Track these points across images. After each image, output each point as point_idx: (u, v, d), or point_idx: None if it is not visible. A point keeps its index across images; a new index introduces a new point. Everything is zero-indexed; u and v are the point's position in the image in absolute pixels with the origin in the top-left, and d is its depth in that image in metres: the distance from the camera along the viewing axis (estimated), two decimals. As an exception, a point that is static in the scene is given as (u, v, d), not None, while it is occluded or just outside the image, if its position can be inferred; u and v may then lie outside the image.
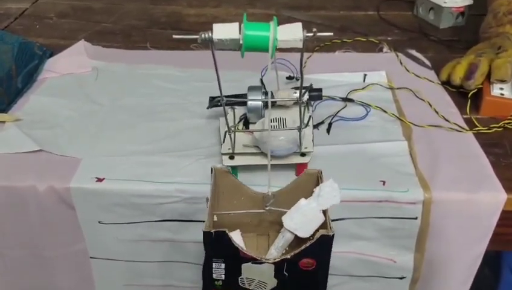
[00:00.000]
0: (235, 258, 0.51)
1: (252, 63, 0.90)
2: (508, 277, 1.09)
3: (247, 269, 0.51)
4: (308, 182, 0.53)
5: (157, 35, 1.08)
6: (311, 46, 1.02)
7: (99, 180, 0.65)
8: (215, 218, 0.57)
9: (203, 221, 0.58)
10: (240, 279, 0.53)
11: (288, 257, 0.49)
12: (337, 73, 0.90)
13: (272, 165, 0.63)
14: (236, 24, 0.46)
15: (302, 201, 0.49)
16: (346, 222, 0.65)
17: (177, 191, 0.64)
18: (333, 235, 0.48)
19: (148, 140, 0.73)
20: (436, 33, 1.07)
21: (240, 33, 0.44)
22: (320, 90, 0.71)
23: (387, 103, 0.82)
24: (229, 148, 0.63)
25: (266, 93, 0.68)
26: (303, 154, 0.63)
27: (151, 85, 0.87)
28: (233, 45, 0.44)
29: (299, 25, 0.46)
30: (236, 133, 0.64)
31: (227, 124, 0.58)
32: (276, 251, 0.53)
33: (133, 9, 1.21)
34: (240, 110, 0.70)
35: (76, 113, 0.79)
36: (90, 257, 0.71)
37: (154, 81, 0.88)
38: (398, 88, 0.86)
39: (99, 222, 0.67)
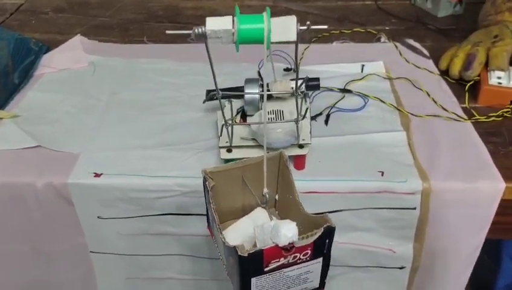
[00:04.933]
0: (211, 212, 0.52)
1: (248, 56, 0.90)
2: (508, 265, 1.09)
3: (215, 228, 0.51)
4: (316, 222, 0.49)
5: (154, 29, 1.08)
6: (308, 37, 1.02)
7: (97, 175, 0.65)
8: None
9: (204, 214, 0.59)
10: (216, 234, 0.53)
11: (226, 244, 0.47)
12: (335, 64, 0.89)
13: (269, 157, 0.63)
14: (230, 17, 0.45)
15: (272, 222, 0.48)
16: (344, 213, 0.65)
17: (175, 185, 0.64)
18: (242, 257, 0.45)
19: (146, 134, 0.73)
20: (434, 22, 1.07)
21: (233, 26, 0.44)
22: (317, 79, 0.71)
23: (386, 93, 0.82)
24: (227, 142, 0.63)
25: (263, 86, 0.68)
26: (301, 146, 0.63)
27: (149, 79, 0.87)
28: (227, 38, 0.44)
29: (292, 17, 0.46)
30: (233, 126, 0.64)
31: (224, 117, 0.58)
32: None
33: (130, 2, 1.20)
34: (237, 103, 0.70)
35: (73, 108, 0.79)
36: (91, 252, 0.71)
37: (152, 75, 0.88)
38: (396, 78, 0.86)
39: (98, 217, 0.67)
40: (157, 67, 0.90)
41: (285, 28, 0.44)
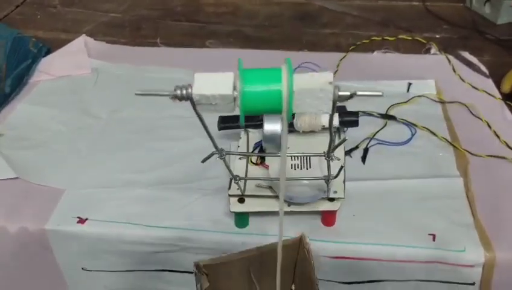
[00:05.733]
0: None
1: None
2: None
3: None
4: None
5: (169, 28, 0.96)
6: (345, 44, 0.88)
7: (81, 221, 0.53)
8: None
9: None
10: None
11: None
12: (376, 81, 0.75)
13: (291, 211, 0.50)
14: (229, 75, 0.31)
15: None
16: (384, 284, 0.52)
17: (175, 238, 0.52)
18: None
19: (146, 166, 0.61)
20: (493, 30, 0.92)
21: (234, 88, 0.30)
22: (356, 114, 0.57)
23: (437, 121, 0.68)
24: (238, 188, 0.50)
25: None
26: (331, 199, 0.50)
27: (157, 92, 0.75)
28: (226, 106, 0.30)
29: (327, 76, 0.31)
30: (248, 166, 0.52)
31: (230, 172, 0.45)
32: None
33: (146, -4, 1.08)
34: (255, 134, 0.57)
35: (66, 127, 0.68)
36: (75, 305, 0.60)
37: (161, 87, 0.75)
38: (449, 102, 0.71)
39: (82, 269, 0.56)
40: (168, 77, 0.78)
41: (315, 92, 0.29)
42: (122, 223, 0.53)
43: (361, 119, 0.67)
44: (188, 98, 0.30)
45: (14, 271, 0.57)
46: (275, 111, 0.28)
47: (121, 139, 0.65)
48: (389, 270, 0.51)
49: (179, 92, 0.30)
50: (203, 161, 0.42)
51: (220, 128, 0.58)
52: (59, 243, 0.54)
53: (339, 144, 0.38)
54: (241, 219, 0.51)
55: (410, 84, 0.74)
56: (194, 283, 0.55)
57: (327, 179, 0.44)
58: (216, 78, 0.30)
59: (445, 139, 0.64)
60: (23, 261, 0.56)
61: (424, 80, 0.75)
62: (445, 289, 0.51)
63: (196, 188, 0.57)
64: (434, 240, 0.51)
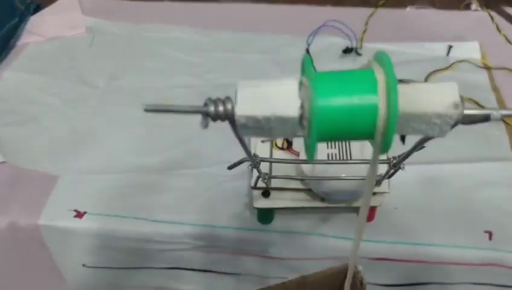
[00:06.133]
0: None
1: (294, 25, 0.67)
2: None
3: None
4: None
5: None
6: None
7: (79, 214, 0.46)
8: None
9: (226, 273, 0.40)
10: None
11: None
12: (411, 43, 0.66)
13: (325, 207, 0.43)
14: (293, 84, 0.20)
15: None
16: (432, 287, 0.45)
17: (187, 236, 0.45)
18: None
19: (151, 147, 0.53)
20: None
21: (301, 105, 0.19)
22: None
23: (484, 91, 0.59)
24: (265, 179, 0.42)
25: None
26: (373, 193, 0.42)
27: (161, 56, 0.66)
28: (288, 129, 0.19)
29: (450, 92, 0.22)
30: (273, 151, 0.44)
31: (261, 174, 0.37)
32: None
33: None
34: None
35: (60, 99, 0.59)
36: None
37: (165, 49, 0.67)
38: (495, 68, 0.62)
39: (83, 265, 0.49)
40: (173, 37, 0.69)
41: (429, 118, 0.20)
42: (124, 217, 0.46)
43: (397, 89, 0.59)
44: (227, 118, 0.21)
45: (7, 270, 0.50)
46: (362, 137, 0.19)
47: (120, 113, 0.57)
48: (438, 273, 0.44)
49: (212, 108, 0.20)
50: (230, 168, 0.34)
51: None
52: (55, 240, 0.47)
53: (413, 151, 0.30)
54: (265, 213, 0.44)
55: (450, 46, 0.65)
56: (207, 281, 0.49)
57: (380, 181, 0.36)
58: (271, 90, 0.20)
59: (495, 114, 0.55)
60: (17, 259, 0.49)
61: (465, 41, 0.66)
62: (500, 294, 0.45)
63: (210, 175, 0.49)
64: (490, 239, 0.43)
